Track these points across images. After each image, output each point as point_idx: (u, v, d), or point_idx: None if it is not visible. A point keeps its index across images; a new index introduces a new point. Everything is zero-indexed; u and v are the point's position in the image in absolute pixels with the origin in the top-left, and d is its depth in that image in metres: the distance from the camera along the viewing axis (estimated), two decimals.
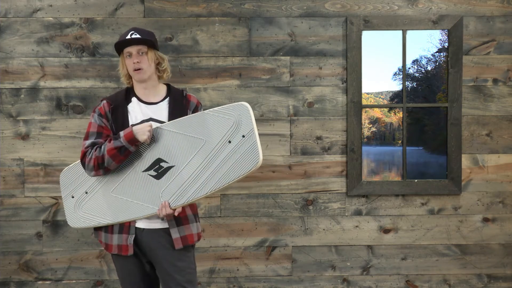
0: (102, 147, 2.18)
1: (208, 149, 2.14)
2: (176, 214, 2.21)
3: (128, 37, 2.23)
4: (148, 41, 2.25)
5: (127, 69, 2.31)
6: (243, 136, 2.10)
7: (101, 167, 2.19)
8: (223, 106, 2.16)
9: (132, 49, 2.24)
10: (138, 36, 2.24)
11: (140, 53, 2.24)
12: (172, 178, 2.19)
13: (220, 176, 2.12)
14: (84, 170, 2.26)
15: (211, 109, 2.17)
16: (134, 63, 2.23)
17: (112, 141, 2.17)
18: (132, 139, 2.15)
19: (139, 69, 2.24)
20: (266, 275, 3.44)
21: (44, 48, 3.37)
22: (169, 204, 2.17)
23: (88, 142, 2.24)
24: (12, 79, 3.36)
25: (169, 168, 2.19)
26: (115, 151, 2.16)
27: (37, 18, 3.36)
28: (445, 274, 3.49)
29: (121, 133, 2.17)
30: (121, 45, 2.25)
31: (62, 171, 2.42)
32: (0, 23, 3.35)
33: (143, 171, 2.22)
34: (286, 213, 3.44)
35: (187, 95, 2.36)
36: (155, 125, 2.24)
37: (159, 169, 2.20)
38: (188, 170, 2.17)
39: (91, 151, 2.21)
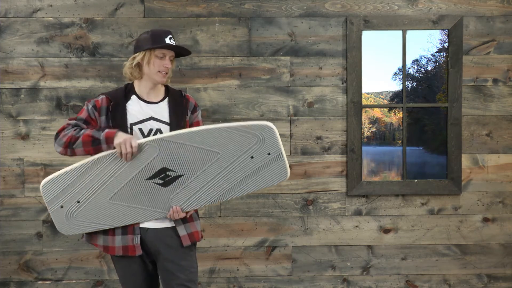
0: (82, 130, 2.22)
1: (226, 161, 2.18)
2: (188, 216, 2.29)
3: (169, 42, 2.27)
4: (183, 54, 2.36)
5: (141, 65, 2.29)
6: (269, 154, 2.17)
7: (69, 147, 2.21)
8: (243, 124, 2.18)
9: (168, 53, 2.30)
10: (178, 44, 2.35)
11: (171, 59, 2.32)
12: (182, 186, 2.21)
13: (243, 186, 2.21)
14: (54, 142, 2.26)
15: (229, 126, 2.18)
16: (165, 66, 2.28)
17: (93, 130, 2.20)
18: (110, 139, 2.16)
19: (166, 73, 2.30)
20: (266, 275, 3.44)
21: (44, 48, 3.37)
22: (181, 209, 2.24)
23: (73, 122, 2.27)
24: (12, 79, 3.36)
25: (177, 177, 2.21)
26: (89, 139, 2.18)
27: (37, 18, 3.36)
28: (445, 274, 3.49)
29: (107, 129, 2.20)
30: (163, 46, 2.27)
31: (43, 183, 2.25)
32: (0, 23, 3.35)
33: (147, 179, 2.22)
34: (286, 213, 3.44)
35: (185, 95, 2.40)
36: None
37: (165, 178, 2.21)
38: (202, 179, 2.20)
39: (70, 129, 2.23)
